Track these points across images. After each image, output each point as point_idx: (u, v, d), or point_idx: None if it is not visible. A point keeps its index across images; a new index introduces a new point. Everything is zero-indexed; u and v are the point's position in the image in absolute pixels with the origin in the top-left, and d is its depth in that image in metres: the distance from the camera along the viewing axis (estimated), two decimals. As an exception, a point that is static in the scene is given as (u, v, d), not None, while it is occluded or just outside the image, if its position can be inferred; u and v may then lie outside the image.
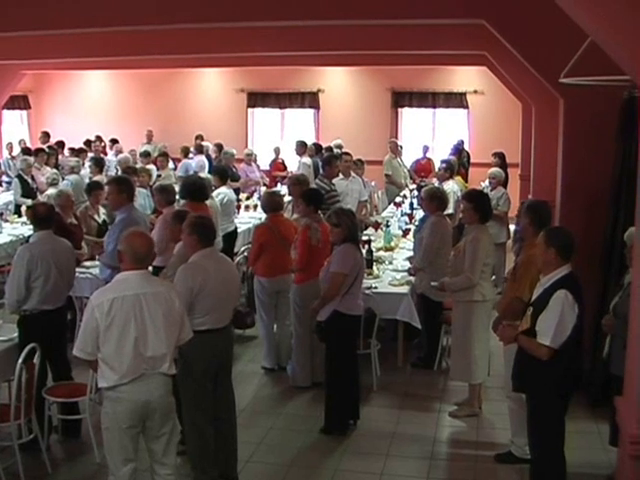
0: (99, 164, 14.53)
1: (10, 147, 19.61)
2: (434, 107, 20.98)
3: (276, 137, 21.78)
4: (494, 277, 9.02)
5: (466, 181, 16.66)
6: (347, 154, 13.92)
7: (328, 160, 12.10)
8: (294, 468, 7.12)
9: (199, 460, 6.54)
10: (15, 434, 6.59)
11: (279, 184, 17.50)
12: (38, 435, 6.96)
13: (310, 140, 18.97)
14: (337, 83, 21.36)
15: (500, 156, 16.00)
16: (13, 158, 18.40)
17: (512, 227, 12.58)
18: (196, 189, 9.74)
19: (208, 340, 6.29)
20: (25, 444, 6.82)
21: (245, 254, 10.48)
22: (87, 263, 9.92)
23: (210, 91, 22.34)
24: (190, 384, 6.34)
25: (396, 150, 17.56)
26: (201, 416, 6.49)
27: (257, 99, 22.02)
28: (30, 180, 14.58)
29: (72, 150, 18.44)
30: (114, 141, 20.08)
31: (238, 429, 6.92)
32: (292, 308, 8.90)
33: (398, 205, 14.99)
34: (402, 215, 13.59)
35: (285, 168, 19.13)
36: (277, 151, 19.39)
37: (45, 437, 7.18)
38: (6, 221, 13.59)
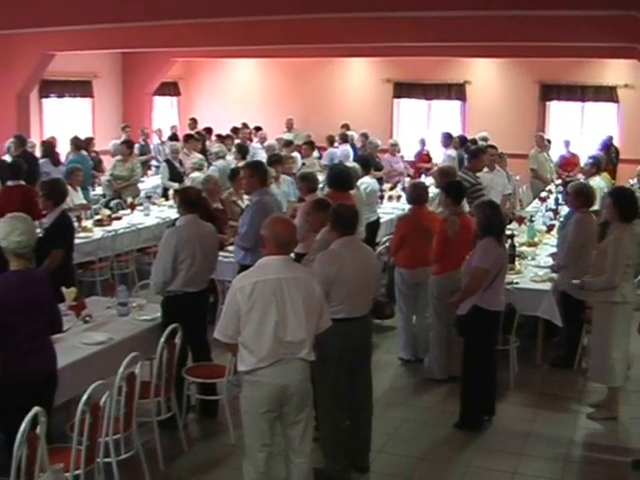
0: (242, 151, 14.75)
1: (160, 132, 20.13)
2: (583, 101, 20.46)
3: (422, 128, 21.65)
4: (639, 278, 8.76)
5: (614, 178, 16.20)
6: (492, 147, 13.73)
7: (475, 153, 11.96)
8: (425, 462, 7.08)
9: (331, 448, 6.57)
10: (154, 411, 6.78)
11: (423, 175, 17.41)
12: (176, 413, 7.12)
13: (456, 132, 18.76)
14: (484, 75, 21.08)
15: (651, 153, 15.48)
16: (163, 143, 18.89)
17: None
18: (342, 178, 9.76)
19: (344, 329, 6.27)
20: (163, 421, 6.98)
21: (387, 244, 10.47)
22: (230, 247, 10.07)
23: (356, 81, 22.37)
24: (325, 372, 6.34)
25: (542, 144, 17.21)
26: (335, 404, 6.51)
27: (403, 89, 21.94)
28: (178, 165, 14.92)
29: (218, 137, 18.79)
30: (258, 128, 20.34)
31: (372, 419, 6.93)
32: (430, 300, 8.85)
33: (543, 200, 14.72)
34: (547, 210, 13.33)
35: (430, 160, 19.00)
36: (423, 142, 19.28)
37: (183, 415, 7.34)
38: (154, 204, 13.96)
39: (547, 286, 9.07)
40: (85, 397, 5.42)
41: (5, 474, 4.98)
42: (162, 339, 6.65)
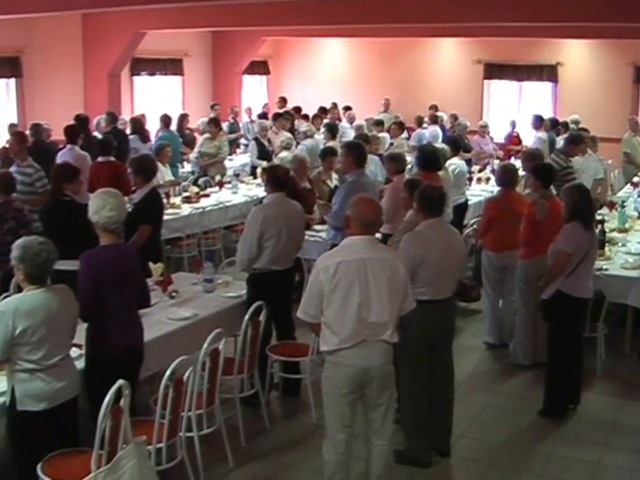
0: (332, 130, 14.78)
1: (249, 111, 20.24)
2: (680, 83, 19.90)
3: (512, 110, 21.35)
4: None
5: None
6: (584, 130, 13.47)
7: (575, 139, 11.73)
8: (507, 448, 7.00)
9: (412, 430, 6.55)
10: (237, 388, 6.83)
11: (512, 158, 17.17)
12: (259, 390, 7.18)
13: (547, 114, 18.45)
14: (577, 56, 20.66)
15: None
16: (252, 122, 18.98)
17: None
18: (431, 159, 9.68)
19: (428, 310, 6.25)
20: (246, 398, 7.06)
21: (474, 227, 10.37)
22: (317, 227, 10.10)
23: (446, 61, 22.19)
24: (408, 353, 6.33)
25: (636, 128, 16.79)
26: (417, 386, 6.48)
27: (494, 70, 21.65)
28: (266, 143, 14.99)
29: (305, 117, 18.81)
30: (347, 108, 20.31)
31: (454, 403, 6.87)
32: (517, 284, 8.74)
33: (635, 185, 14.37)
34: (639, 196, 13.04)
35: (520, 142, 18.70)
36: (513, 124, 19.01)
37: (265, 393, 7.39)
38: (242, 182, 14.05)
39: (637, 273, 8.86)
40: (169, 372, 5.49)
41: (89, 445, 5.08)
42: (247, 316, 6.69)
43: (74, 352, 5.64)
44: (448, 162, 11.49)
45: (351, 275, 5.36)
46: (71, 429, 5.43)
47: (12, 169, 9.85)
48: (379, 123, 17.06)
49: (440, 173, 9.88)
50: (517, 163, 13.73)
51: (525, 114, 19.71)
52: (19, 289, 5.72)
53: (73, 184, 8.01)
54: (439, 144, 13.18)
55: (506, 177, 9.18)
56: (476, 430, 7.30)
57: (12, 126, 13.96)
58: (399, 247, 6.40)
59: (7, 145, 12.20)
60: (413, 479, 6.42)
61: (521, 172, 11.24)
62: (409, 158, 12.98)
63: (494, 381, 8.49)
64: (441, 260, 6.35)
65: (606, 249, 9.45)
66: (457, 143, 12.76)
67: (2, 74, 16.01)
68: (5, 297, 6.05)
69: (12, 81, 16.25)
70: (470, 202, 12.39)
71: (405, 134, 17.46)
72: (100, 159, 11.09)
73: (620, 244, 9.97)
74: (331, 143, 13.59)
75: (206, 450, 6.27)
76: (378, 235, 6.33)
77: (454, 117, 18.13)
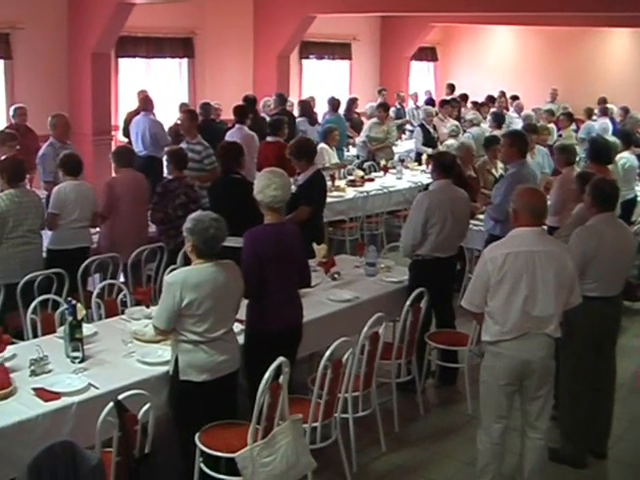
0: (498, 119, 14.55)
1: (415, 97, 20.15)
2: None
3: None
4: None
5: None
6: None
7: None
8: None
9: (569, 429, 6.41)
10: (394, 373, 6.83)
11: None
12: (415, 377, 7.17)
13: None
14: None
15: None
16: (417, 108, 18.92)
17: None
18: (603, 152, 9.41)
19: (596, 307, 6.10)
20: (402, 384, 7.04)
21: (643, 224, 10.06)
22: (481, 216, 9.95)
23: (618, 52, 21.51)
24: (571, 350, 6.19)
25: None
26: (578, 385, 6.33)
27: (670, 62, 20.87)
28: (432, 130, 14.91)
29: (474, 104, 18.59)
30: (515, 97, 19.96)
31: (614, 404, 6.67)
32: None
33: None
34: None
35: (695, 139, 17.97)
36: (688, 120, 18.29)
37: (422, 380, 7.38)
38: (407, 168, 14.04)
39: None
40: (329, 352, 5.53)
41: (246, 419, 5.18)
42: (408, 302, 6.68)
43: (236, 327, 5.75)
44: (618, 156, 11.20)
45: (519, 267, 5.28)
46: (230, 402, 5.56)
47: (182, 146, 10.11)
48: (551, 113, 16.69)
49: (610, 167, 9.60)
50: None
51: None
52: (186, 262, 5.88)
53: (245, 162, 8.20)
54: (609, 137, 12.83)
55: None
56: (635, 433, 7.08)
57: (183, 105, 14.33)
58: (570, 241, 6.24)
59: (178, 122, 12.52)
60: (565, 479, 6.28)
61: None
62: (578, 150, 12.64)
63: (657, 384, 8.21)
64: (612, 256, 6.18)
65: None
66: (629, 137, 12.39)
67: (176, 54, 16.44)
68: (172, 269, 6.23)
69: (184, 61, 16.67)
70: (639, 198, 11.99)
71: (573, 126, 17.02)
72: (269, 139, 11.24)
73: None
74: (496, 132, 13.38)
75: (360, 432, 6.30)
76: (544, 227, 6.18)
77: (625, 110, 17.54)
